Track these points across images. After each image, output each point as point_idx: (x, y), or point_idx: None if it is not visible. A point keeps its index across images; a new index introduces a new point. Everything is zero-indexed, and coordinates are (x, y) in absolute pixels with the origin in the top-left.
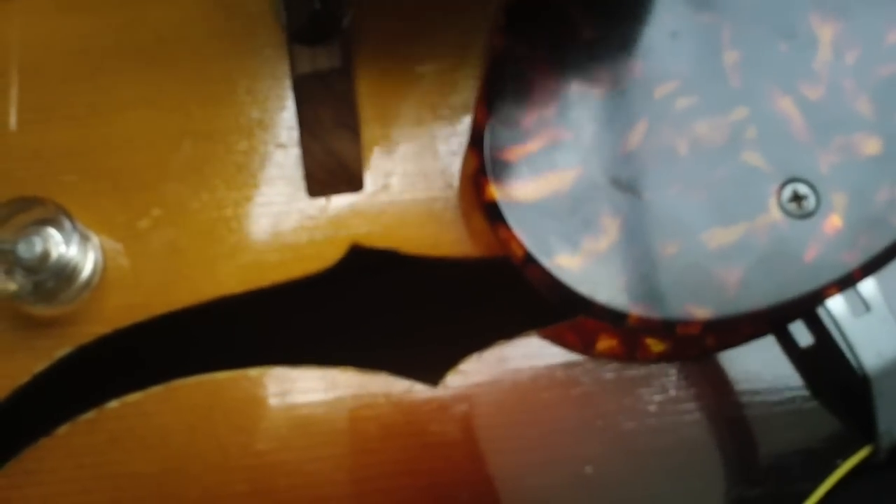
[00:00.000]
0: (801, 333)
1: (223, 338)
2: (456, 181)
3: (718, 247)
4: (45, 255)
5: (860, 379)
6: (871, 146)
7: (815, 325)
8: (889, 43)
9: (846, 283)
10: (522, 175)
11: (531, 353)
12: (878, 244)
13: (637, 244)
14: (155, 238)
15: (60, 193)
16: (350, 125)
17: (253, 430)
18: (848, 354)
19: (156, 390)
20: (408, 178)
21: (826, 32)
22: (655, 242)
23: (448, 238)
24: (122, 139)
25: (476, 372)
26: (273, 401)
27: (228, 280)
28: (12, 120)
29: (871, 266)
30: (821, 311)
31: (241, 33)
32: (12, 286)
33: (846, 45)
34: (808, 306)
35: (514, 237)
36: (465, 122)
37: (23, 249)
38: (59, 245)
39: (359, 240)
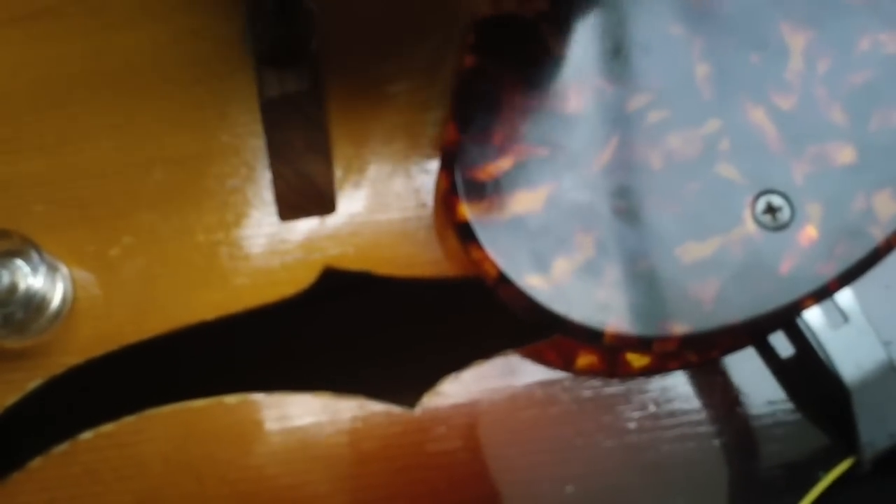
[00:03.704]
0: (782, 344)
1: (198, 365)
2: (430, 200)
3: (693, 261)
4: (13, 287)
5: (841, 390)
6: (845, 155)
7: (796, 336)
8: (860, 50)
9: (823, 294)
10: (494, 194)
11: (509, 372)
12: (854, 254)
13: (611, 261)
14: (126, 266)
15: (30, 223)
16: (320, 148)
17: (229, 459)
18: (827, 366)
19: (130, 420)
20: (380, 198)
21: (797, 42)
22: (630, 259)
23: (423, 258)
24: (92, 167)
25: (454, 393)
26: (249, 428)
27: (202, 307)
28: None
29: (848, 277)
30: (799, 323)
31: (210, 58)
32: None
33: (818, 53)
34: (785, 319)
35: (486, 257)
36: (438, 141)
37: None
38: (27, 276)
39: (332, 262)
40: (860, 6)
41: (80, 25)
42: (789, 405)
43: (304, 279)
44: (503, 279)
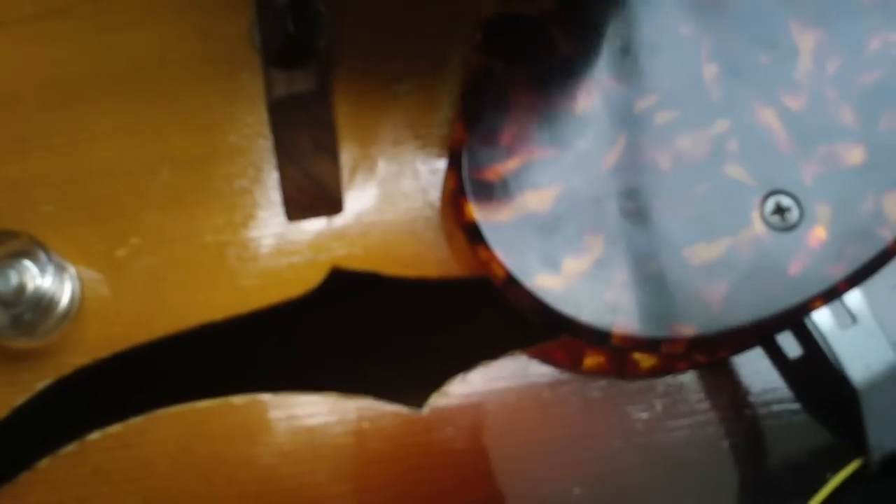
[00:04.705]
0: (790, 345)
1: (205, 366)
2: (437, 200)
3: (702, 263)
4: (21, 287)
5: (849, 391)
6: (854, 155)
7: (804, 336)
8: (870, 50)
9: (832, 295)
10: (502, 194)
11: (517, 373)
12: (863, 255)
13: (620, 262)
14: (134, 267)
15: (38, 224)
16: (328, 148)
17: (236, 460)
18: (835, 367)
19: (137, 421)
20: (388, 198)
21: (806, 41)
22: (638, 260)
23: (430, 258)
24: (100, 168)
25: (461, 393)
26: (256, 429)
27: (209, 307)
28: None
29: (857, 278)
30: (808, 323)
31: (218, 58)
32: None
33: (827, 53)
34: (793, 320)
35: (494, 258)
36: (445, 141)
37: None
38: (35, 277)
39: (339, 262)
40: (870, 5)
41: (88, 25)
42: (797, 406)
43: (311, 279)
44: (511, 280)
